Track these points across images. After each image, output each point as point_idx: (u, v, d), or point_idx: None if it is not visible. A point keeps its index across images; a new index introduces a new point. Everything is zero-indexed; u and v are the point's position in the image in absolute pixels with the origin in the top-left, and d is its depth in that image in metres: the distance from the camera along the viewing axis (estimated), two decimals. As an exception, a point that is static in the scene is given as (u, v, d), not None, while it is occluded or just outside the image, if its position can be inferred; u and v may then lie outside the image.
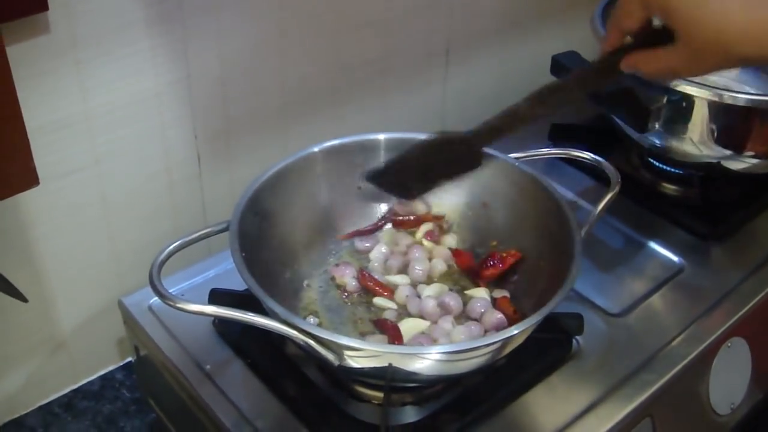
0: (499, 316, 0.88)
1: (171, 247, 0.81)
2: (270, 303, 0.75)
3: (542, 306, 0.77)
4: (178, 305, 0.75)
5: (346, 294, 0.94)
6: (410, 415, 0.85)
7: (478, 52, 1.32)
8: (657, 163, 1.18)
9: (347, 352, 0.74)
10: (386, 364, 0.74)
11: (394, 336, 0.86)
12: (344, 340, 0.74)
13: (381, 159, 0.97)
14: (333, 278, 0.95)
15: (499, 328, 0.87)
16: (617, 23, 0.74)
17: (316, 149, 0.95)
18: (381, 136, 0.97)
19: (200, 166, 1.05)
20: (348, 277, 0.94)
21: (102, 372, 1.08)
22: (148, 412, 1.03)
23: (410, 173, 0.88)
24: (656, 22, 0.73)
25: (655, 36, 0.72)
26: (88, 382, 1.07)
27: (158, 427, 1.02)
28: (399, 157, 0.89)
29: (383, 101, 1.23)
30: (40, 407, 1.04)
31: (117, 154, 0.97)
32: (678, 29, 0.67)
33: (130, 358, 1.09)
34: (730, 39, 0.65)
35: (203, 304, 0.77)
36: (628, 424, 0.87)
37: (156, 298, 0.92)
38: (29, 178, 0.61)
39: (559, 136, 1.22)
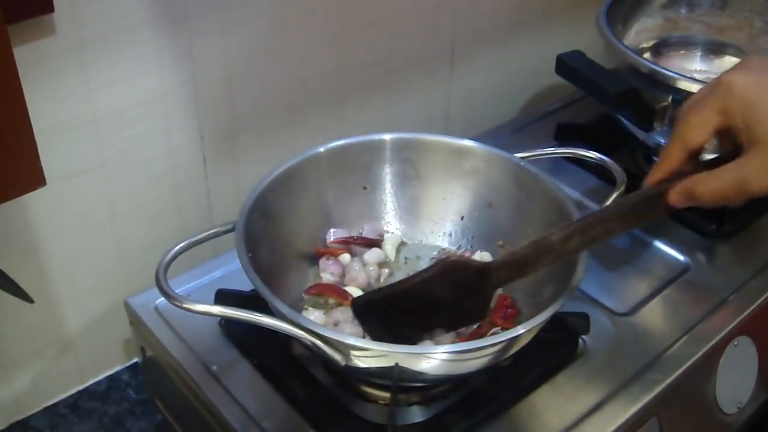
0: None
1: (177, 247, 0.81)
2: (276, 303, 0.75)
3: (548, 306, 0.77)
4: (185, 306, 0.75)
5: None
6: (417, 415, 0.85)
7: (484, 52, 1.32)
8: (662, 162, 1.18)
9: (354, 352, 0.74)
10: (393, 364, 0.74)
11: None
12: (351, 340, 0.74)
13: (386, 159, 0.97)
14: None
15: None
16: (682, 139, 0.66)
17: (321, 149, 0.95)
18: (387, 136, 0.97)
19: (206, 167, 1.05)
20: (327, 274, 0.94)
21: (108, 373, 1.08)
22: (155, 413, 1.03)
23: (402, 314, 0.79)
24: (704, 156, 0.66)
25: (702, 166, 0.65)
26: (95, 383, 1.07)
27: (165, 427, 1.02)
28: (394, 289, 0.79)
29: (388, 101, 1.23)
30: (47, 408, 1.04)
31: (123, 155, 0.97)
32: (756, 132, 0.61)
33: (136, 359, 1.09)
34: None
35: (209, 304, 0.77)
36: (634, 423, 0.87)
37: (162, 298, 0.92)
38: (36, 179, 0.62)
39: (564, 135, 1.22)
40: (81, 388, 1.07)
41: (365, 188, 0.98)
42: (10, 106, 0.58)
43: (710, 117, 0.64)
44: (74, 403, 1.05)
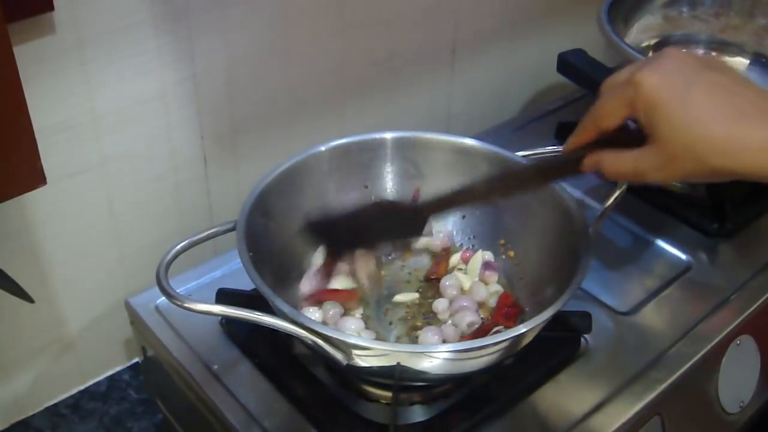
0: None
1: (178, 247, 0.81)
2: (278, 302, 0.75)
3: (550, 304, 0.77)
4: (186, 305, 0.75)
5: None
6: (419, 414, 0.84)
7: (485, 51, 1.32)
8: (664, 161, 1.18)
9: (355, 351, 0.74)
10: (395, 363, 0.74)
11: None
12: (352, 339, 0.74)
13: (388, 158, 0.97)
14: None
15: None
16: (595, 120, 0.72)
17: (322, 148, 0.94)
18: (388, 135, 0.97)
19: (206, 166, 1.05)
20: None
21: (109, 373, 1.08)
22: (156, 412, 1.03)
23: (348, 229, 0.86)
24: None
25: (624, 139, 0.71)
26: (95, 383, 1.07)
27: (166, 427, 1.02)
28: (344, 212, 0.87)
29: (389, 100, 1.23)
30: (47, 408, 1.04)
31: (123, 154, 0.96)
32: (657, 132, 0.66)
33: (137, 359, 1.09)
34: (707, 148, 0.64)
35: (210, 303, 0.77)
36: (637, 422, 0.86)
37: (163, 298, 0.92)
38: (36, 178, 0.61)
39: (565, 134, 1.20)
40: (82, 388, 1.06)
41: (366, 187, 0.98)
42: (11, 105, 0.58)
43: (620, 108, 0.69)
44: (75, 403, 1.05)
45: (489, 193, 0.81)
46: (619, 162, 0.71)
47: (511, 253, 0.96)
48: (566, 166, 0.78)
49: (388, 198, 0.96)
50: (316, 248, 0.94)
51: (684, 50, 0.71)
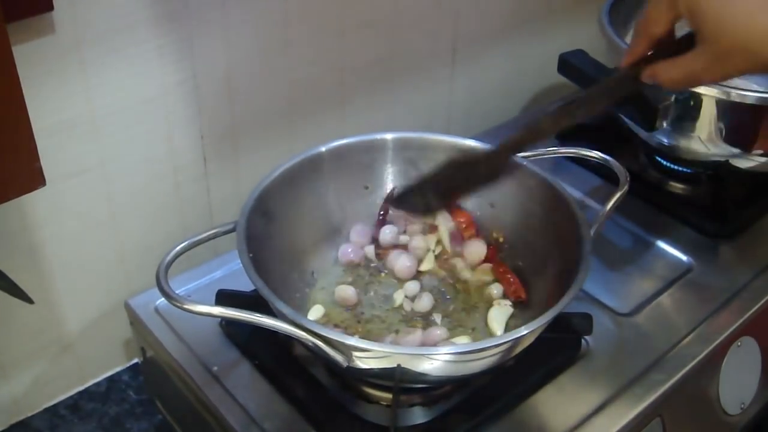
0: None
1: (178, 248, 0.81)
2: (278, 304, 0.75)
3: (551, 306, 0.77)
4: (186, 306, 0.74)
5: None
6: (419, 416, 0.84)
7: (485, 52, 1.32)
8: (664, 162, 1.18)
9: (355, 353, 0.74)
10: (395, 365, 0.74)
11: None
12: (353, 341, 0.73)
13: (388, 159, 0.97)
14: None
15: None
16: (644, 30, 0.73)
17: (323, 149, 0.94)
18: (388, 136, 0.97)
19: (206, 167, 1.05)
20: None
21: (108, 373, 1.08)
22: (155, 413, 1.03)
23: (429, 190, 0.86)
24: (678, 33, 0.72)
25: (676, 46, 0.71)
26: (95, 384, 1.07)
27: (165, 428, 1.01)
28: (419, 178, 0.87)
29: (389, 100, 1.22)
30: (47, 409, 1.03)
31: (123, 154, 0.96)
32: (703, 30, 0.66)
33: (136, 360, 1.08)
34: (754, 39, 0.63)
35: (210, 305, 0.76)
36: (638, 424, 0.86)
37: (162, 299, 0.91)
38: (35, 179, 0.61)
39: (566, 134, 1.22)
40: (81, 388, 1.06)
41: (366, 188, 0.98)
42: (10, 105, 0.57)
43: (665, 11, 0.69)
44: (74, 404, 1.04)
45: (558, 124, 0.80)
46: (673, 68, 0.70)
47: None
48: (626, 83, 0.77)
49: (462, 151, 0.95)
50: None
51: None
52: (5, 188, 0.60)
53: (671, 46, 0.72)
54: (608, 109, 0.85)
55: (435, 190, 0.86)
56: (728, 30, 0.64)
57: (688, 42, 0.70)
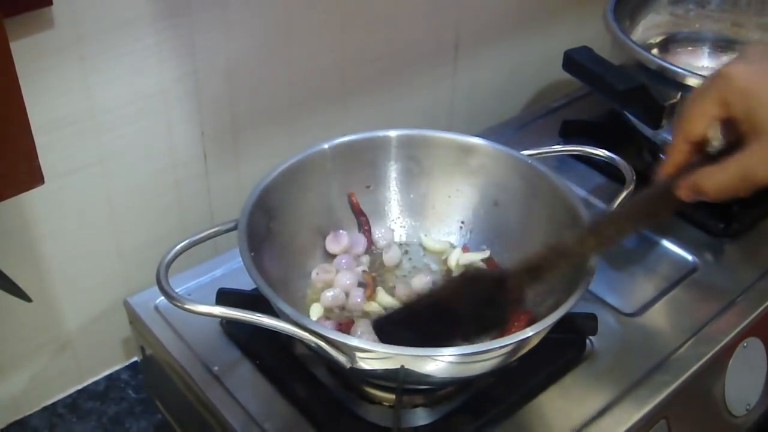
0: None
1: (178, 246, 0.80)
2: (280, 304, 0.74)
3: (556, 306, 0.76)
4: (186, 306, 0.73)
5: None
6: (422, 417, 0.83)
7: (488, 48, 1.31)
8: (669, 160, 1.16)
9: (359, 354, 0.73)
10: (398, 366, 0.73)
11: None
12: (356, 342, 0.72)
13: (391, 156, 0.96)
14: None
15: None
16: (685, 132, 0.67)
17: (326, 146, 0.93)
18: (392, 133, 0.96)
19: (207, 164, 1.04)
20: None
21: (107, 372, 1.07)
22: (154, 412, 1.02)
23: (423, 324, 0.78)
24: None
25: (710, 158, 0.66)
26: (93, 383, 1.06)
27: (164, 428, 1.01)
28: (411, 303, 0.80)
29: (391, 97, 1.21)
30: (45, 408, 1.03)
31: (122, 151, 0.95)
32: (758, 121, 0.61)
33: (135, 358, 1.08)
34: None
35: (211, 304, 0.75)
36: (643, 426, 0.85)
37: (162, 297, 0.91)
38: (34, 177, 0.60)
39: (570, 132, 1.21)
40: (80, 387, 1.05)
41: (368, 187, 0.97)
42: (8, 102, 0.56)
43: (710, 108, 0.64)
44: (73, 402, 1.03)
45: (585, 249, 0.74)
46: (721, 173, 0.65)
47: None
48: (662, 202, 0.71)
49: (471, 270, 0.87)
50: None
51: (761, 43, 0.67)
52: (3, 186, 0.59)
53: (710, 155, 0.66)
54: (642, 231, 0.78)
55: (429, 326, 0.78)
56: None
57: (728, 149, 0.65)
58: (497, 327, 0.80)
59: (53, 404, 1.03)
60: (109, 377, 1.07)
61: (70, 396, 1.04)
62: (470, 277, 0.81)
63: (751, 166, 0.63)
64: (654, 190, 0.72)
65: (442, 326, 0.79)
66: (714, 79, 0.64)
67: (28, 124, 0.60)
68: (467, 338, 0.78)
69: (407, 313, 0.81)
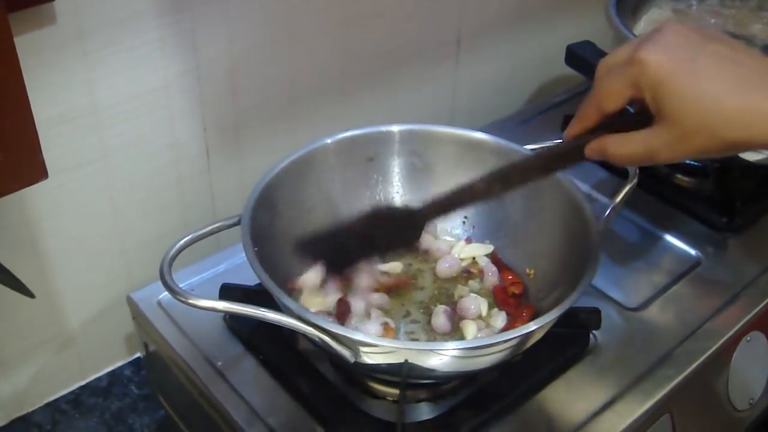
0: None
1: (182, 241, 0.79)
2: (284, 299, 0.74)
3: (560, 300, 0.76)
4: (190, 301, 0.73)
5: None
6: (425, 412, 0.83)
7: (490, 43, 1.31)
8: (672, 155, 1.16)
9: (363, 348, 0.73)
10: (402, 360, 0.73)
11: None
12: (360, 336, 0.72)
13: (394, 151, 0.96)
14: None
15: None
16: (597, 104, 0.69)
17: (329, 141, 0.93)
18: (395, 128, 0.95)
19: (209, 159, 1.04)
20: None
21: (110, 368, 1.07)
22: (157, 408, 1.02)
23: (343, 244, 0.83)
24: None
25: (626, 121, 0.68)
26: (96, 379, 1.06)
27: (167, 423, 1.01)
28: (334, 226, 0.84)
29: (393, 93, 1.21)
30: (48, 404, 1.03)
31: (125, 147, 0.95)
32: (666, 110, 0.64)
33: (138, 354, 1.08)
34: (720, 121, 0.62)
35: (214, 299, 0.75)
36: (647, 420, 0.85)
37: (165, 293, 0.90)
38: (38, 172, 0.60)
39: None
40: (82, 383, 1.05)
41: (372, 179, 0.96)
42: (12, 97, 0.56)
43: (624, 89, 0.66)
44: (75, 398, 1.03)
45: (490, 190, 0.78)
46: (627, 144, 0.68)
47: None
48: (568, 155, 0.75)
49: (386, 203, 0.95)
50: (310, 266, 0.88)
51: (681, 24, 0.68)
52: (8, 181, 0.59)
53: (621, 122, 0.69)
54: (544, 178, 0.82)
55: (347, 245, 0.83)
56: (692, 111, 0.63)
57: (638, 119, 0.67)
58: (405, 245, 0.89)
59: (56, 400, 1.03)
60: (111, 373, 1.07)
61: (72, 392, 1.04)
62: (383, 209, 0.86)
63: (655, 146, 0.66)
64: (564, 144, 0.75)
65: (356, 245, 0.83)
66: (629, 62, 0.66)
67: (32, 118, 0.60)
68: (377, 255, 0.87)
69: (327, 235, 0.84)
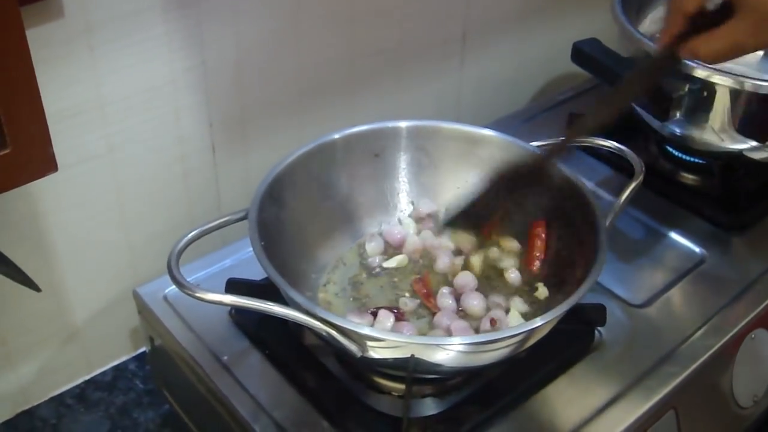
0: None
1: (189, 235, 0.79)
2: (292, 293, 0.74)
3: (566, 297, 0.76)
4: (197, 295, 0.73)
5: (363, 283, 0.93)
6: (430, 407, 0.83)
7: (495, 39, 1.31)
8: (676, 152, 1.16)
9: (370, 343, 0.73)
10: (409, 355, 0.73)
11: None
12: (367, 331, 0.72)
13: (401, 146, 0.96)
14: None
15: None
16: (678, 6, 0.72)
17: (336, 136, 0.93)
18: (403, 124, 0.95)
19: (215, 154, 1.04)
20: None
21: (115, 363, 1.07)
22: (162, 403, 1.02)
23: (480, 205, 0.87)
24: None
25: (710, 20, 0.71)
26: (101, 373, 1.06)
27: (172, 418, 1.01)
28: (472, 194, 0.88)
29: (398, 89, 1.21)
30: (53, 398, 1.03)
31: (131, 141, 0.95)
32: (745, 1, 0.67)
33: (143, 349, 1.08)
34: None
35: (221, 293, 0.75)
36: (651, 416, 0.85)
37: (172, 287, 0.92)
38: (48, 165, 0.60)
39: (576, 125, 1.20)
40: (87, 377, 1.05)
41: (378, 175, 0.97)
42: (24, 90, 0.56)
43: None
44: (80, 393, 1.04)
45: (601, 112, 0.81)
46: (714, 41, 0.70)
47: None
48: (665, 62, 0.78)
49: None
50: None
51: None
52: (18, 173, 0.59)
53: (705, 21, 0.72)
54: (647, 92, 0.87)
55: (487, 204, 0.87)
56: None
57: (722, 14, 0.70)
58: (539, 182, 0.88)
59: (61, 394, 1.03)
60: (116, 368, 1.07)
61: (77, 386, 1.04)
62: (514, 165, 0.88)
63: (740, 36, 0.69)
64: (657, 56, 0.78)
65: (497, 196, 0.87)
66: None
67: (43, 110, 0.60)
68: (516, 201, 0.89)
69: (467, 203, 0.89)
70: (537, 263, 0.92)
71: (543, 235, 0.92)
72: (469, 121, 1.16)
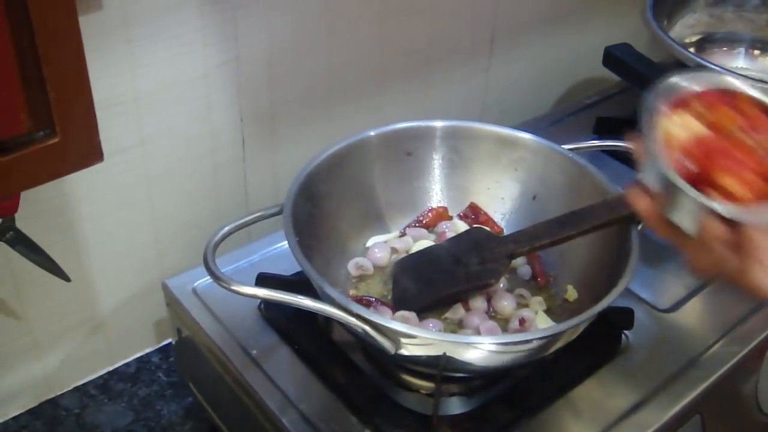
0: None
1: (225, 229, 0.80)
2: (327, 288, 0.74)
3: (595, 300, 0.76)
4: (233, 287, 0.74)
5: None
6: (458, 406, 0.84)
7: (523, 42, 1.31)
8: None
9: (403, 340, 0.73)
10: (441, 353, 0.73)
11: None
12: (402, 327, 0.72)
13: (435, 146, 0.96)
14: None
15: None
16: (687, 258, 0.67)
17: (372, 133, 0.93)
18: (438, 124, 0.96)
19: (244, 149, 1.04)
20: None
21: (138, 354, 1.08)
22: (185, 395, 1.03)
23: (429, 273, 0.88)
24: None
25: None
26: (124, 364, 1.07)
27: (195, 410, 1.01)
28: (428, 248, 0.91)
29: (426, 89, 1.22)
30: (76, 388, 1.03)
31: (162, 134, 0.96)
32: None
33: (166, 341, 1.08)
34: None
35: (256, 287, 0.76)
36: (677, 421, 0.85)
37: (200, 280, 0.92)
38: (95, 154, 0.60)
39: (604, 129, 1.21)
40: (111, 368, 1.06)
41: (411, 174, 0.97)
42: (74, 78, 0.57)
43: (715, 269, 0.65)
44: (104, 383, 1.04)
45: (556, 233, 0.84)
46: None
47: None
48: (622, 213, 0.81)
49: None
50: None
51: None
52: (66, 162, 0.59)
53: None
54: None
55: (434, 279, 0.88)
56: None
57: None
58: (491, 278, 0.87)
59: (84, 384, 1.04)
60: (140, 359, 1.07)
61: (101, 377, 1.05)
62: (477, 228, 0.92)
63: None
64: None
65: (445, 272, 0.88)
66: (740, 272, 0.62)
67: (92, 100, 0.61)
68: (463, 287, 0.87)
69: (422, 253, 0.91)
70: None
71: None
72: (494, 122, 1.16)
